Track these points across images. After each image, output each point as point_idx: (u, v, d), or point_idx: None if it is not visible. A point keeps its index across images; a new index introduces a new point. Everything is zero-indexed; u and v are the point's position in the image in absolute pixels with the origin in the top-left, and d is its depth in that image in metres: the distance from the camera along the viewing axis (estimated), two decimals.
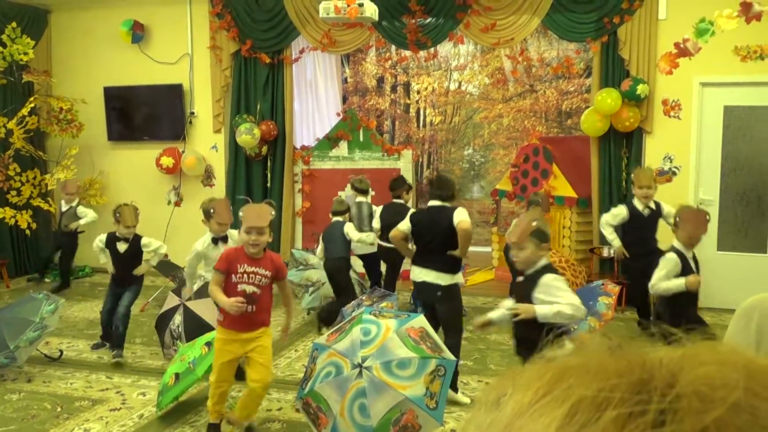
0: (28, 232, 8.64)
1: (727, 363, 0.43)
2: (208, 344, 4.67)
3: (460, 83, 11.27)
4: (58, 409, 4.79)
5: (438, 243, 4.81)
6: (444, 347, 3.93)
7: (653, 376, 0.42)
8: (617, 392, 0.41)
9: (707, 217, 4.80)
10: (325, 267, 6.56)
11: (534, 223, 3.70)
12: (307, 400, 3.85)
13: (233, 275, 4.12)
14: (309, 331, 6.50)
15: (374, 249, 6.78)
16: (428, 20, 7.92)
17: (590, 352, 0.47)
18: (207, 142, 8.82)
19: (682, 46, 7.11)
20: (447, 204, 4.91)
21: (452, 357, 3.91)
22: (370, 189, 7.09)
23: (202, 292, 5.74)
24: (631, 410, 0.40)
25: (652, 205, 6.12)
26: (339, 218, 6.57)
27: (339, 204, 6.73)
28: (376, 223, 6.70)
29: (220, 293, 4.08)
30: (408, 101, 11.48)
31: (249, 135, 8.11)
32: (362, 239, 6.48)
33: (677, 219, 4.80)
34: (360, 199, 6.94)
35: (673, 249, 4.74)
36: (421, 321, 4.01)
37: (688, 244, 4.72)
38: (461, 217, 4.75)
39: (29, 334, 5.28)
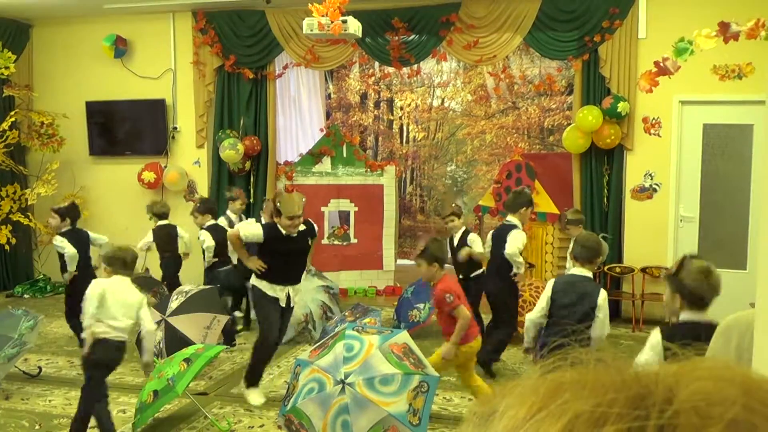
0: (7, 247, 8.53)
1: (724, 378, 0.42)
2: (187, 360, 4.61)
3: (443, 100, 11.33)
4: (37, 427, 4.72)
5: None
6: (427, 363, 3.91)
7: (651, 392, 0.42)
8: (615, 407, 0.40)
9: None
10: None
11: None
12: (290, 417, 3.81)
13: None
14: (291, 346, 6.45)
15: None
16: (411, 37, 7.96)
17: (585, 367, 0.46)
18: (190, 157, 8.78)
19: (661, 64, 7.20)
20: None
21: (435, 373, 3.90)
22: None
23: (184, 308, 5.69)
24: (629, 426, 0.39)
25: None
26: None
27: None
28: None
29: None
30: (391, 117, 11.51)
31: (232, 150, 8.08)
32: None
33: None
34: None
35: None
36: (404, 337, 4.00)
37: None
38: None
39: (7, 350, 5.19)
